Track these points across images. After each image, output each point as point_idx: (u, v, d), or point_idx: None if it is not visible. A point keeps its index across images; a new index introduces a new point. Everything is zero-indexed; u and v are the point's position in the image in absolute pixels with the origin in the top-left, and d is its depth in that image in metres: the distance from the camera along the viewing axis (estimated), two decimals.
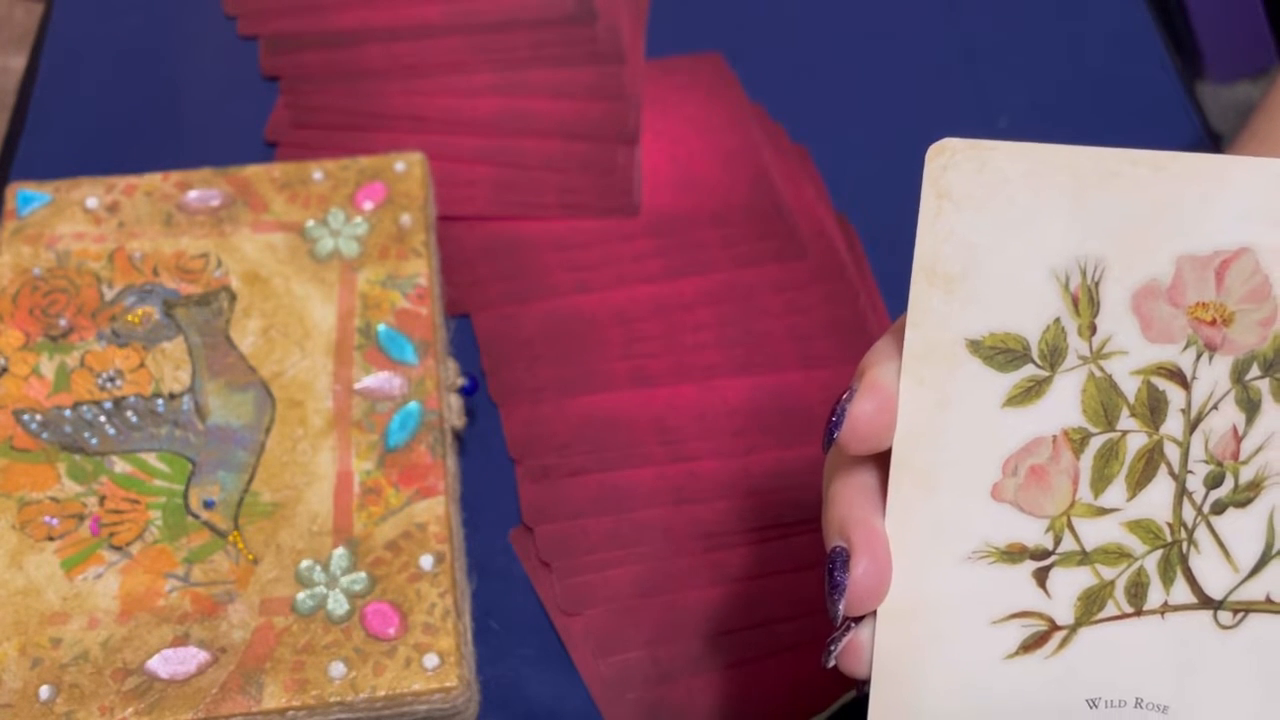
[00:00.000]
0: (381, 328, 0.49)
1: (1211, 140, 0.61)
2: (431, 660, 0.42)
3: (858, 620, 0.32)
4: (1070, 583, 0.31)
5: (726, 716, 0.44)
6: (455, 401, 0.49)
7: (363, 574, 0.43)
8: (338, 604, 0.43)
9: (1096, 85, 0.63)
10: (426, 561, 0.44)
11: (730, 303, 0.55)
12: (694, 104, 0.62)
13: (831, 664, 0.32)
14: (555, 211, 0.58)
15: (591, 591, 0.47)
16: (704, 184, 0.59)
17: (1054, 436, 0.30)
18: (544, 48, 0.64)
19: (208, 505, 0.45)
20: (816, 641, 0.46)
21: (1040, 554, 0.31)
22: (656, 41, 0.65)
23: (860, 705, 0.45)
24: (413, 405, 0.47)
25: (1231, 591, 0.31)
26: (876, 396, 0.30)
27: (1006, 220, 0.30)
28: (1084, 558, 0.31)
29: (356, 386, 0.48)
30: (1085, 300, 0.30)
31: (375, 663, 0.42)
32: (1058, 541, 0.31)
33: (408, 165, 0.54)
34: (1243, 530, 0.30)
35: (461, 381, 0.49)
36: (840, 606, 0.31)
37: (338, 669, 0.41)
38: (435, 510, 0.45)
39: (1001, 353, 0.30)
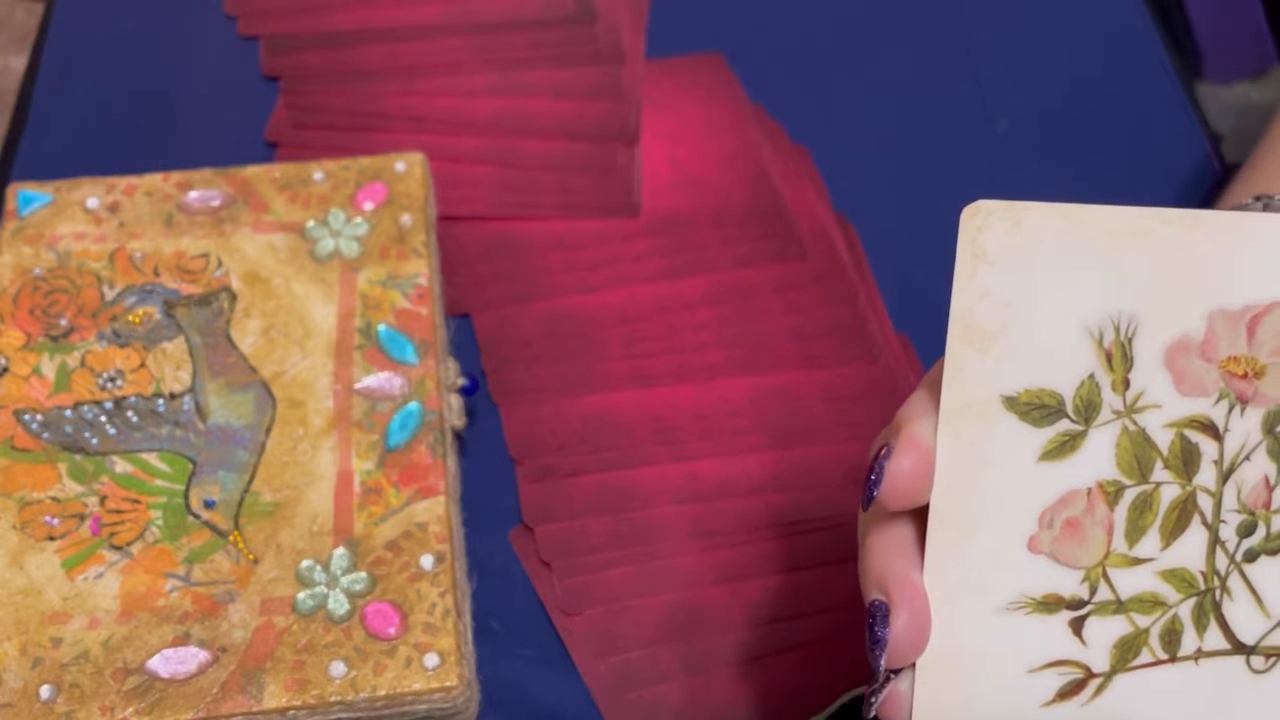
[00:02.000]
0: (382, 328, 0.49)
1: (1211, 140, 0.61)
2: (432, 660, 0.42)
3: (897, 671, 0.32)
4: (1106, 631, 0.32)
5: (727, 716, 0.45)
6: (455, 401, 0.49)
7: (363, 574, 0.43)
8: (338, 604, 0.43)
9: (1096, 86, 0.63)
10: (427, 561, 0.44)
11: (730, 303, 0.55)
12: (694, 104, 0.62)
13: (873, 715, 0.32)
14: (555, 211, 0.58)
15: (591, 591, 0.47)
16: (704, 184, 0.59)
17: (1089, 489, 0.31)
18: (544, 48, 0.64)
19: (208, 505, 0.45)
20: (817, 641, 0.46)
21: (1076, 604, 0.32)
22: (656, 41, 0.65)
23: (860, 705, 0.45)
24: (413, 405, 0.47)
25: (1264, 637, 0.31)
26: (915, 453, 0.31)
27: (1040, 279, 0.30)
28: (1119, 607, 0.32)
29: (357, 386, 0.48)
30: (1119, 356, 0.30)
31: (375, 662, 0.42)
32: (1093, 591, 0.31)
33: (408, 165, 0.54)
34: (1275, 577, 0.31)
35: (461, 381, 0.49)
36: (882, 661, 0.31)
37: (338, 669, 0.41)
38: (435, 510, 0.45)
39: (1037, 408, 0.31)
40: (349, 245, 0.52)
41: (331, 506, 0.45)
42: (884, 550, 0.32)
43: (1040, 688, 0.32)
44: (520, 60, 0.63)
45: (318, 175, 0.54)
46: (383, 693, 0.41)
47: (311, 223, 0.52)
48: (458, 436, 0.49)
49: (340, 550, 0.44)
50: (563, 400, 0.52)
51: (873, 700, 0.32)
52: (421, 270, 0.51)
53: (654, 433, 0.51)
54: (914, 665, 0.32)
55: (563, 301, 0.55)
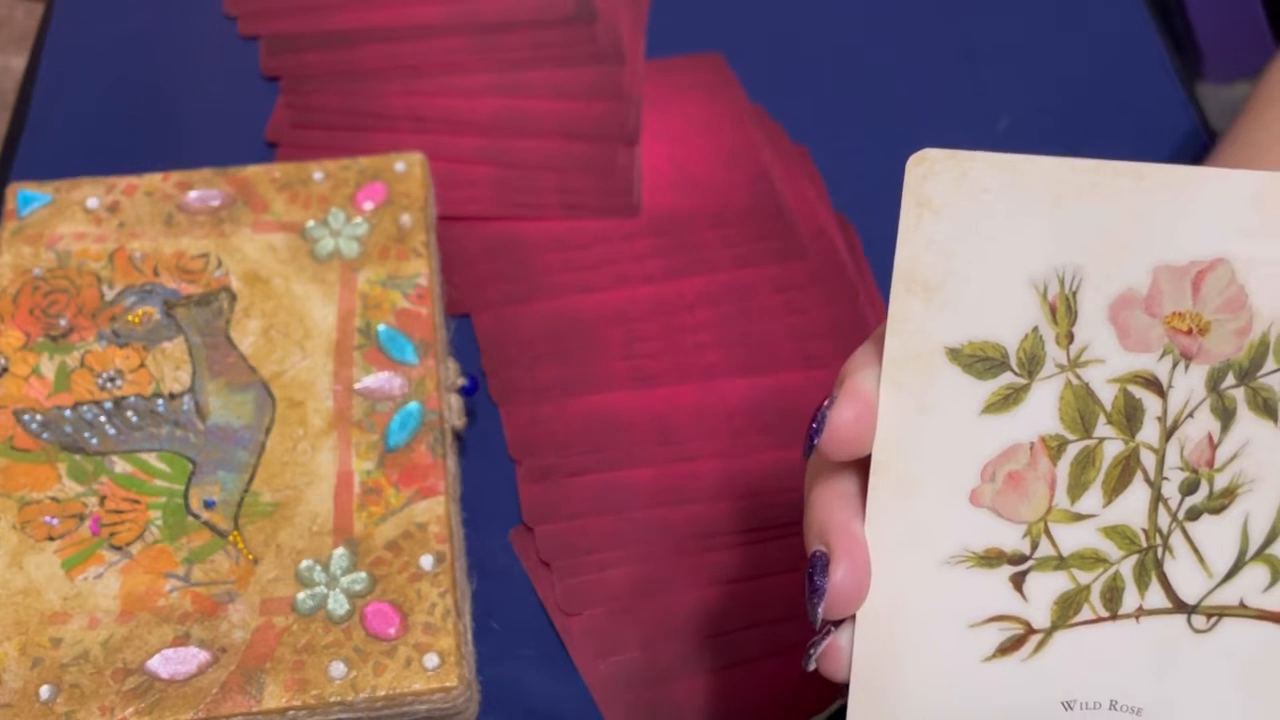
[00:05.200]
0: (382, 328, 0.49)
1: (1211, 140, 0.61)
2: (432, 660, 0.42)
3: (837, 624, 0.32)
4: (1047, 587, 0.31)
5: (726, 716, 0.45)
6: (455, 401, 0.49)
7: (363, 574, 0.43)
8: (338, 604, 0.43)
9: (1096, 85, 0.63)
10: (427, 561, 0.44)
11: (730, 303, 0.55)
12: (694, 104, 0.62)
13: (812, 667, 0.32)
14: (555, 211, 0.58)
15: (591, 591, 0.47)
16: (704, 184, 0.59)
17: (1031, 443, 0.31)
18: (544, 48, 0.64)
19: (208, 505, 0.45)
20: None
21: (1017, 559, 0.31)
22: (656, 41, 0.65)
23: None
24: (413, 405, 0.47)
25: (1205, 596, 0.31)
26: (857, 403, 0.31)
27: (986, 230, 0.30)
28: (1060, 563, 0.31)
29: (357, 386, 0.48)
30: (1063, 309, 0.30)
31: (375, 662, 0.42)
32: (1035, 547, 0.31)
33: (408, 165, 0.54)
34: (1217, 536, 0.31)
35: (461, 381, 0.49)
36: (820, 610, 0.31)
37: (338, 669, 0.41)
38: (435, 510, 0.45)
39: (980, 360, 0.31)
40: (349, 245, 0.51)
41: (331, 506, 0.45)
42: (827, 502, 0.32)
43: (980, 643, 0.32)
44: (520, 60, 0.63)
45: (318, 175, 0.54)
46: (383, 693, 0.41)
47: (311, 223, 0.52)
48: (458, 436, 0.49)
49: (340, 550, 0.44)
50: (563, 400, 0.52)
51: (811, 652, 0.32)
52: (421, 270, 0.51)
53: (654, 433, 0.51)
54: (854, 618, 0.32)
55: (563, 301, 0.55)
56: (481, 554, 0.48)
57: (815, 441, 0.31)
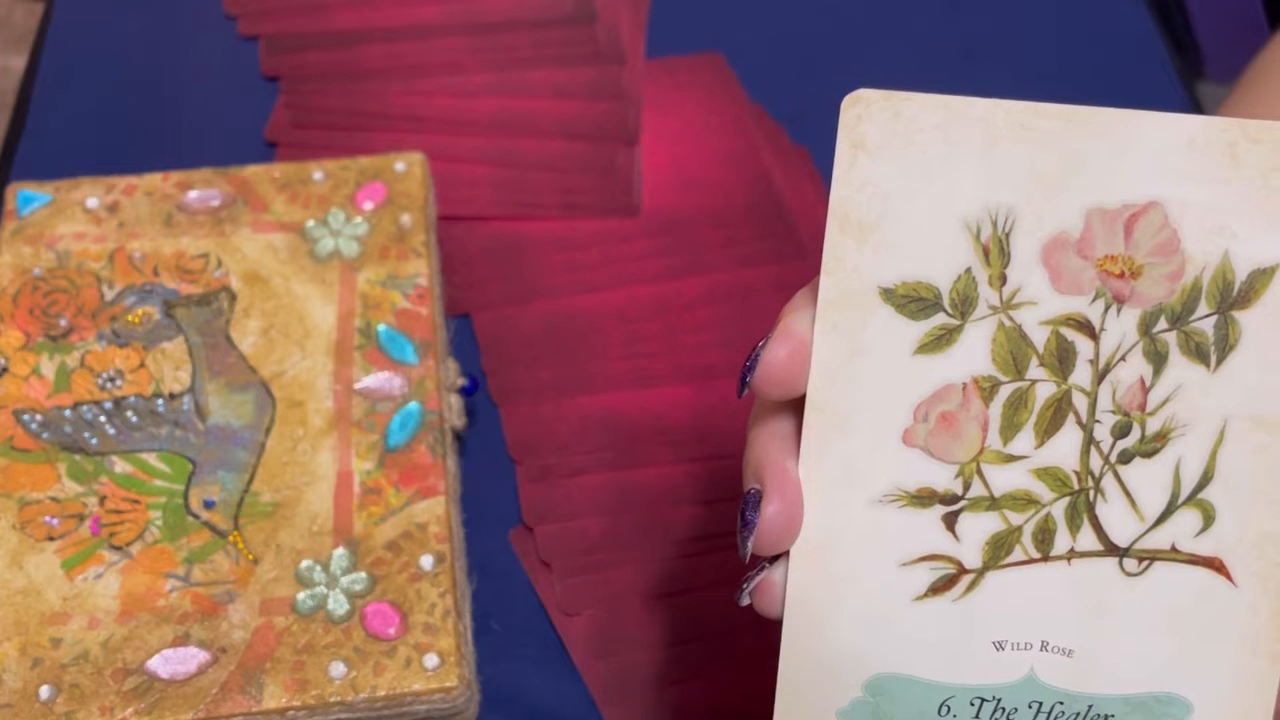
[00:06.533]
0: (382, 328, 0.49)
1: None
2: (431, 660, 0.42)
3: (772, 561, 0.32)
4: (979, 528, 0.31)
5: (726, 717, 0.45)
6: (455, 401, 0.49)
7: (363, 574, 0.43)
8: (338, 604, 0.43)
9: (1097, 85, 0.63)
10: (426, 561, 0.44)
11: (730, 303, 0.55)
12: (694, 104, 0.62)
13: (745, 602, 0.32)
14: (555, 211, 0.58)
15: (591, 591, 0.47)
16: (704, 184, 0.59)
17: (964, 384, 0.31)
18: (544, 48, 0.64)
19: (208, 505, 0.45)
20: None
21: (950, 499, 0.31)
22: (656, 41, 0.65)
23: None
24: (413, 405, 0.47)
25: (1137, 540, 0.31)
26: (790, 342, 0.31)
27: (919, 171, 0.30)
28: (992, 503, 0.31)
29: (357, 386, 0.48)
30: (996, 251, 0.30)
31: (375, 663, 0.42)
32: (967, 487, 0.31)
33: (408, 165, 0.54)
34: (1149, 480, 0.31)
35: (461, 381, 0.49)
36: (750, 545, 0.31)
37: (338, 669, 0.41)
38: (435, 510, 0.45)
39: (913, 301, 0.31)
40: (349, 245, 0.52)
41: (331, 506, 0.45)
42: (764, 442, 0.32)
43: (912, 581, 0.32)
44: (520, 60, 0.63)
45: (318, 175, 0.54)
46: (382, 693, 0.41)
47: (311, 222, 0.52)
48: (458, 436, 0.49)
49: (340, 550, 0.44)
50: (563, 400, 0.52)
51: (744, 587, 0.32)
52: (421, 270, 0.51)
53: (654, 433, 0.51)
54: (788, 556, 0.32)
55: (563, 301, 0.55)
56: (481, 554, 0.48)
57: (748, 379, 0.31)
